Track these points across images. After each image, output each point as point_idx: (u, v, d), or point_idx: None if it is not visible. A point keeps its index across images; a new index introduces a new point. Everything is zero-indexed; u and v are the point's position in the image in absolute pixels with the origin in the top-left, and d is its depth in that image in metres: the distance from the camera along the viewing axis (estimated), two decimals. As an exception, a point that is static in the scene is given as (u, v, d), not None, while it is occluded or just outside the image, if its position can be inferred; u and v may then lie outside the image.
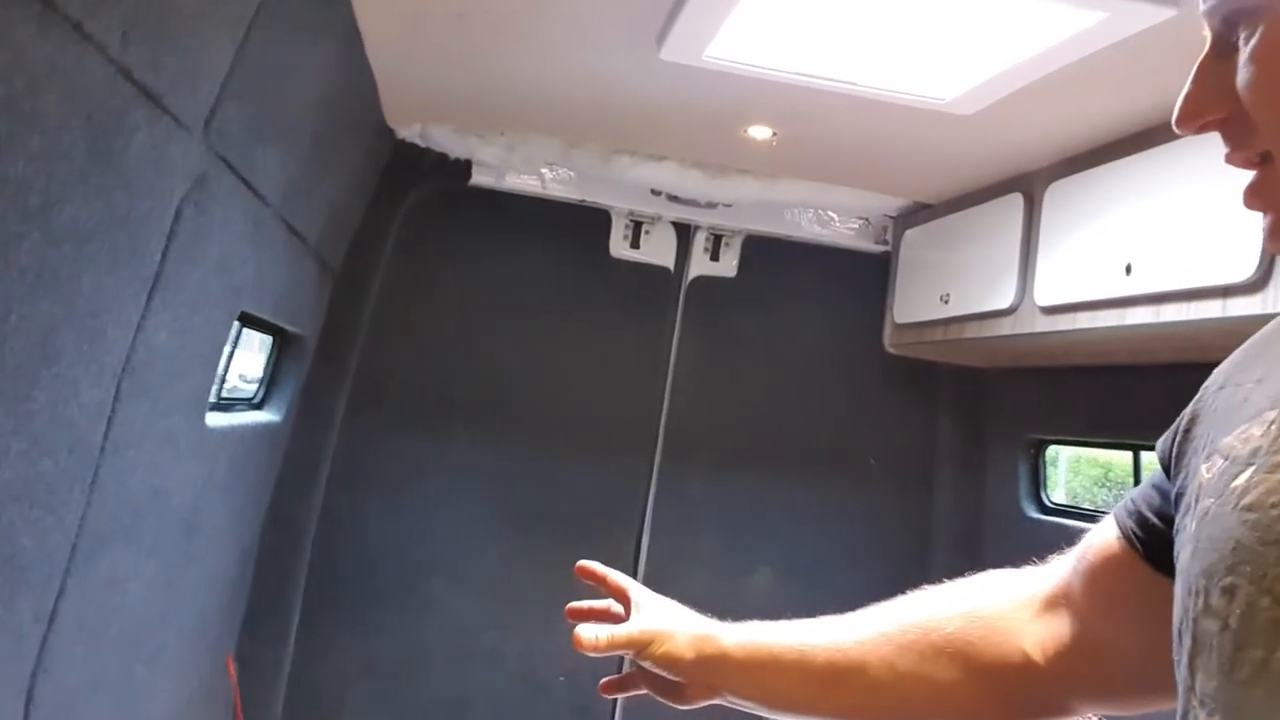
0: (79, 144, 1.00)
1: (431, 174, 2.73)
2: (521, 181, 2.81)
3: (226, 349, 1.86)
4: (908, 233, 2.80)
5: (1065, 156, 2.11)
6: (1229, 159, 0.62)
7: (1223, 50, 0.59)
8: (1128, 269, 1.82)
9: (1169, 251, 1.73)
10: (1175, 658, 0.60)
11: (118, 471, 1.36)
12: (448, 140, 2.69)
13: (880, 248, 2.94)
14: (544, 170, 2.80)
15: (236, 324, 1.87)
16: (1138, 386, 2.31)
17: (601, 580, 1.00)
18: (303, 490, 2.68)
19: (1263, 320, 1.55)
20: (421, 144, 2.70)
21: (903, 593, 3.26)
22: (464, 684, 2.82)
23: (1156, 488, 0.76)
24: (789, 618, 3.28)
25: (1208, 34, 0.60)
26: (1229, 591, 0.55)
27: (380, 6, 1.75)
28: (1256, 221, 1.54)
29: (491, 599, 2.86)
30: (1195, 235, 1.67)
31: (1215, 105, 0.60)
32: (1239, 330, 1.73)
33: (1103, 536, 0.79)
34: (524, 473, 2.89)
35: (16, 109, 0.88)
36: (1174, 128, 0.63)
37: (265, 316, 2.07)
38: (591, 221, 2.92)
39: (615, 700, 2.87)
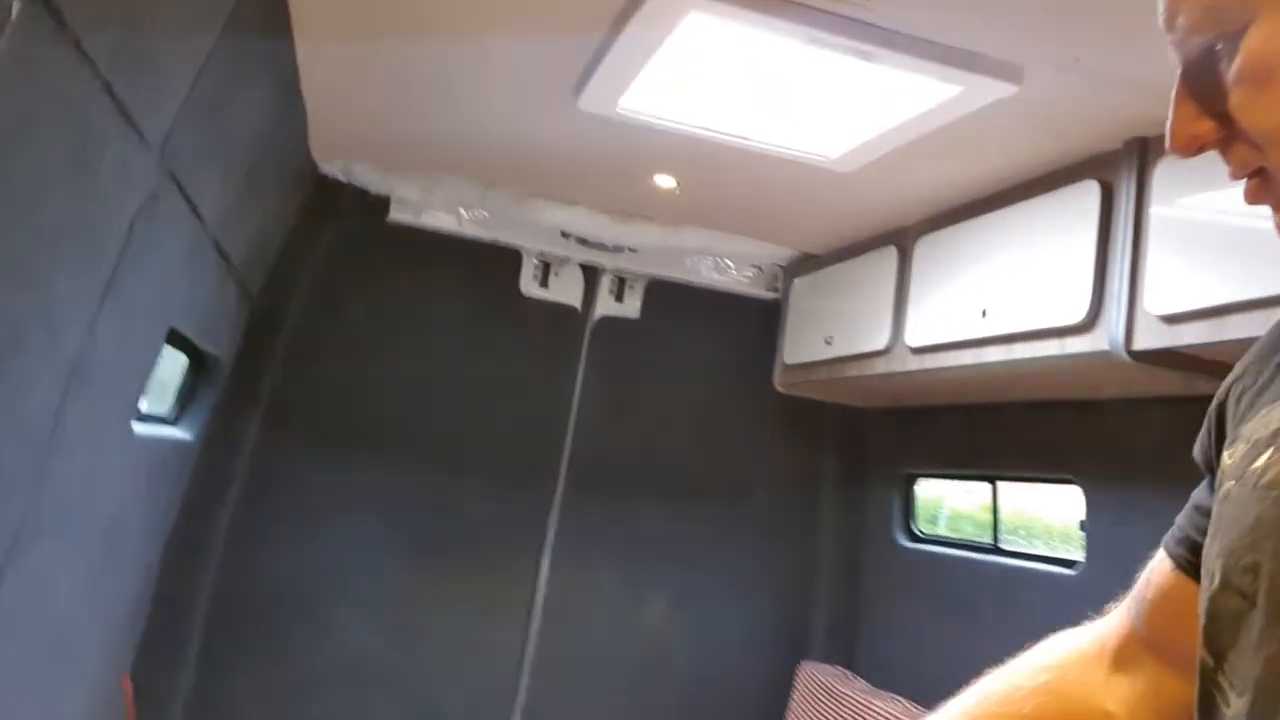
0: (65, 151, 1.12)
1: (351, 209, 2.85)
2: (439, 220, 2.95)
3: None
4: (796, 280, 3.04)
5: (933, 213, 2.37)
6: (1231, 176, 0.63)
7: (1196, 75, 0.59)
8: (983, 313, 2.07)
9: (1018, 297, 1.99)
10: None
11: (60, 468, 1.43)
12: (369, 177, 2.83)
13: (772, 294, 3.18)
14: (461, 210, 2.95)
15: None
16: (995, 423, 2.58)
17: None
18: (209, 512, 2.72)
19: (1093, 357, 1.81)
20: (343, 179, 2.82)
21: (787, 619, 3.46)
22: (363, 711, 2.86)
23: (1197, 507, 0.75)
24: (683, 645, 3.42)
25: (1178, 60, 0.60)
26: (1252, 570, 0.54)
27: (319, 49, 1.90)
28: (1084, 272, 1.79)
29: (393, 626, 2.93)
30: (1038, 283, 1.93)
31: (1200, 129, 0.61)
32: (1076, 368, 2.00)
33: (1158, 570, 0.78)
34: (430, 502, 2.98)
35: (22, 115, 1.00)
36: (1171, 153, 0.64)
37: (189, 335, 2.15)
38: (504, 260, 3.07)
39: (509, 720, 2.97)
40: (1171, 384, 1.92)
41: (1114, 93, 1.62)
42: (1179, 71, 0.61)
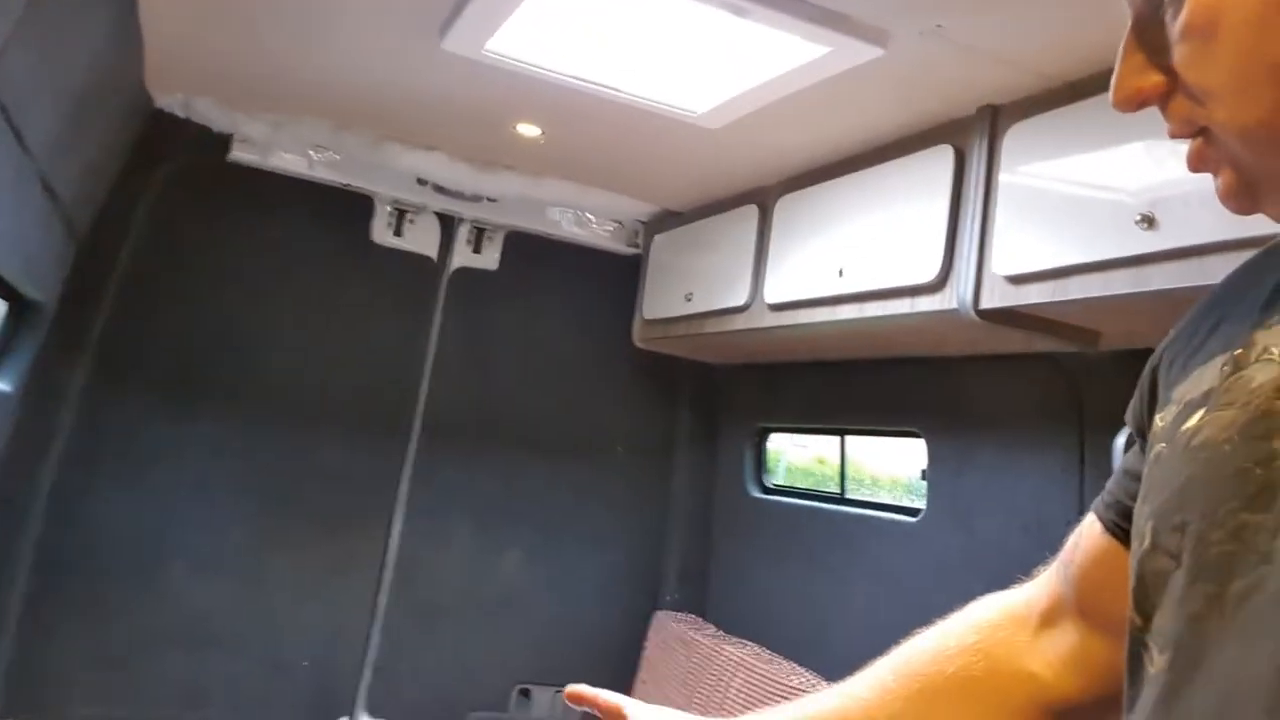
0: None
1: (191, 146, 2.67)
2: (286, 161, 2.80)
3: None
4: (657, 237, 3.06)
5: (794, 173, 2.42)
6: (1171, 134, 0.61)
7: (1145, 27, 0.58)
8: (840, 271, 2.14)
9: (873, 257, 2.06)
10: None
11: None
12: (210, 113, 2.65)
13: (632, 250, 3.19)
14: (311, 152, 2.81)
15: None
16: (845, 380, 2.68)
17: (593, 702, 1.00)
18: (31, 468, 2.53)
19: (943, 315, 1.91)
20: (182, 114, 2.64)
21: (641, 570, 3.51)
22: (203, 671, 2.75)
23: (1128, 471, 0.74)
24: (540, 597, 3.45)
25: (1129, 11, 0.60)
26: (1179, 529, 0.54)
27: (160, -33, 1.76)
28: (936, 234, 1.87)
29: (235, 583, 2.81)
30: (893, 244, 2.01)
31: (1146, 82, 0.59)
32: (926, 325, 2.10)
33: (1087, 535, 0.77)
34: (275, 455, 2.87)
35: None
36: (1114, 107, 0.61)
37: (9, 277, 1.97)
38: (356, 207, 2.96)
39: (359, 686, 2.91)
40: (1013, 342, 2.04)
41: (972, 61, 1.69)
42: (1129, 23, 0.59)
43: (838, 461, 3.01)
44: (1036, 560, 2.04)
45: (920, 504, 2.37)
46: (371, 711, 2.93)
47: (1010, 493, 2.10)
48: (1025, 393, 2.09)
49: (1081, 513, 1.95)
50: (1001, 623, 0.84)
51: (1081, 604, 0.77)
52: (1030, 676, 0.78)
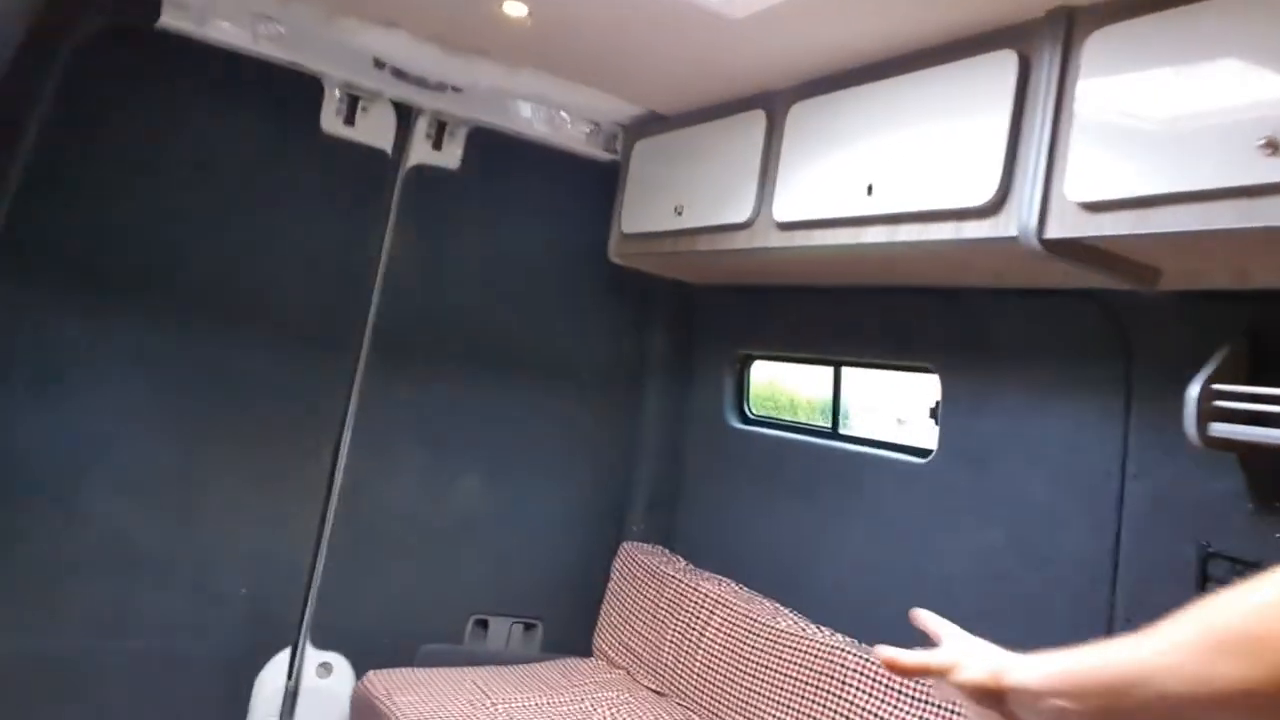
0: None
1: (112, 7, 2.29)
2: (225, 32, 2.45)
3: None
4: (638, 143, 2.79)
5: (810, 78, 2.18)
6: None
7: None
8: (869, 189, 1.92)
9: (911, 175, 1.85)
10: None
11: None
12: (136, -31, 2.27)
13: (609, 155, 2.92)
14: (254, 23, 2.45)
15: None
16: (844, 307, 2.49)
17: (923, 627, 1.02)
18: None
19: (995, 243, 1.72)
20: (101, -32, 2.26)
21: (608, 499, 3.28)
22: (129, 600, 2.49)
23: None
24: (497, 525, 3.20)
25: None
26: None
27: None
28: (994, 151, 1.66)
29: (163, 506, 2.54)
30: (936, 161, 1.80)
31: None
32: (972, 253, 1.90)
33: None
34: (206, 365, 2.57)
35: None
36: None
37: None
38: (302, 90, 2.62)
39: (303, 609, 2.69)
40: (1053, 276, 1.86)
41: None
42: None
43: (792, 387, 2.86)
44: (1065, 512, 1.92)
45: (930, 443, 2.22)
46: (317, 643, 2.72)
47: (1037, 438, 1.96)
48: (1061, 331, 1.93)
49: (1125, 466, 1.82)
50: None
51: None
52: None
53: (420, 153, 2.81)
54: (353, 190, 2.75)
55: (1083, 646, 0.84)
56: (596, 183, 2.92)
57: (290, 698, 2.71)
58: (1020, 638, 1.95)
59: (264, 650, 2.67)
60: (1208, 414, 1.55)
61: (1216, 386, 1.55)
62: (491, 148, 2.86)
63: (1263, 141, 1.27)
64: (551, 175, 2.93)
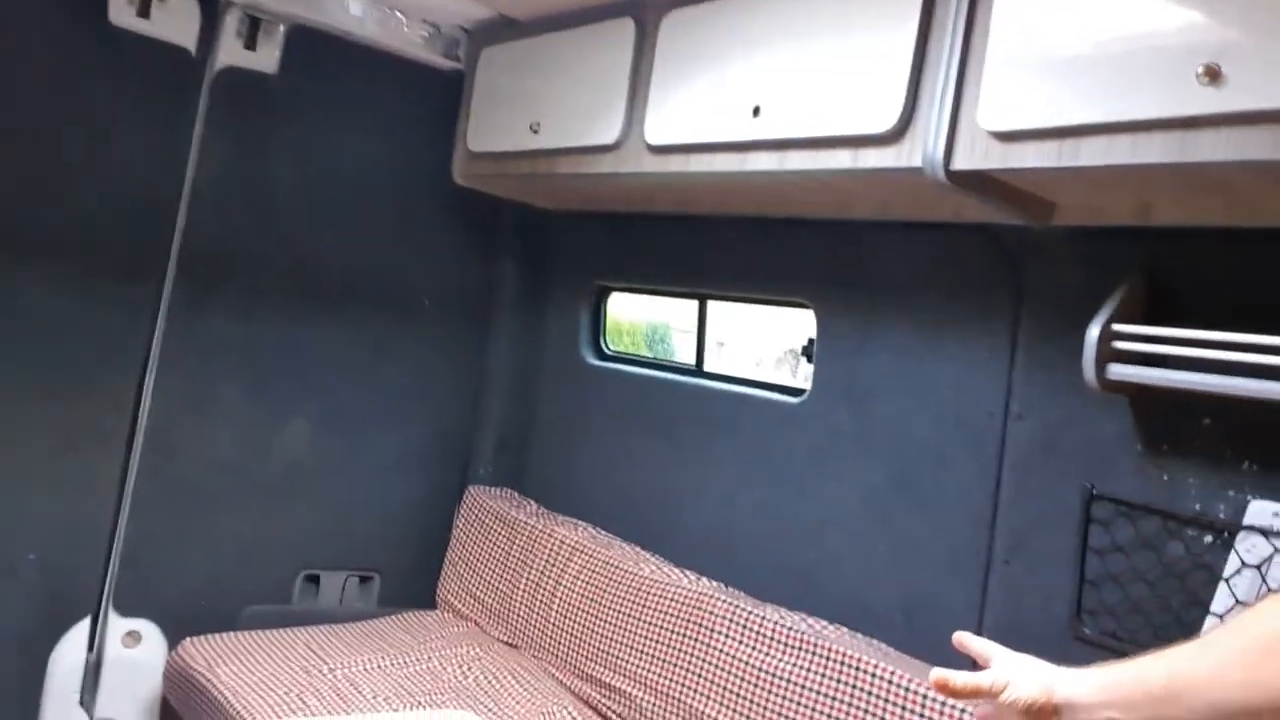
0: None
1: None
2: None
3: None
4: (486, 50, 2.53)
5: (688, -16, 1.99)
6: None
7: None
8: (755, 111, 1.77)
9: (802, 97, 1.70)
10: None
11: None
12: None
13: (451, 64, 2.63)
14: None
15: None
16: (713, 237, 2.35)
17: (968, 649, 1.03)
18: None
19: (895, 174, 1.60)
20: None
21: (452, 441, 3.06)
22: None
23: None
24: (330, 473, 2.91)
25: None
26: None
27: None
28: (896, 72, 1.55)
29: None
30: (831, 81, 1.66)
31: None
32: (866, 184, 1.79)
33: None
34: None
35: None
36: None
37: None
38: (84, -29, 2.20)
39: (105, 573, 2.37)
40: (942, 209, 1.78)
41: None
42: None
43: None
44: (949, 453, 1.87)
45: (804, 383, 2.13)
46: (123, 610, 2.40)
47: (922, 377, 1.89)
48: (949, 267, 1.86)
49: (1009, 406, 1.78)
50: None
51: None
52: None
53: (231, 53, 2.44)
54: (152, 95, 2.36)
55: (1131, 659, 0.84)
56: (438, 94, 2.64)
57: (92, 672, 2.40)
58: (899, 578, 1.92)
59: (59, 621, 2.34)
60: (1106, 355, 1.51)
61: (1116, 327, 1.50)
62: (315, 50, 2.52)
63: (1201, 69, 1.19)
64: (386, 84, 2.62)
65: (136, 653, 2.44)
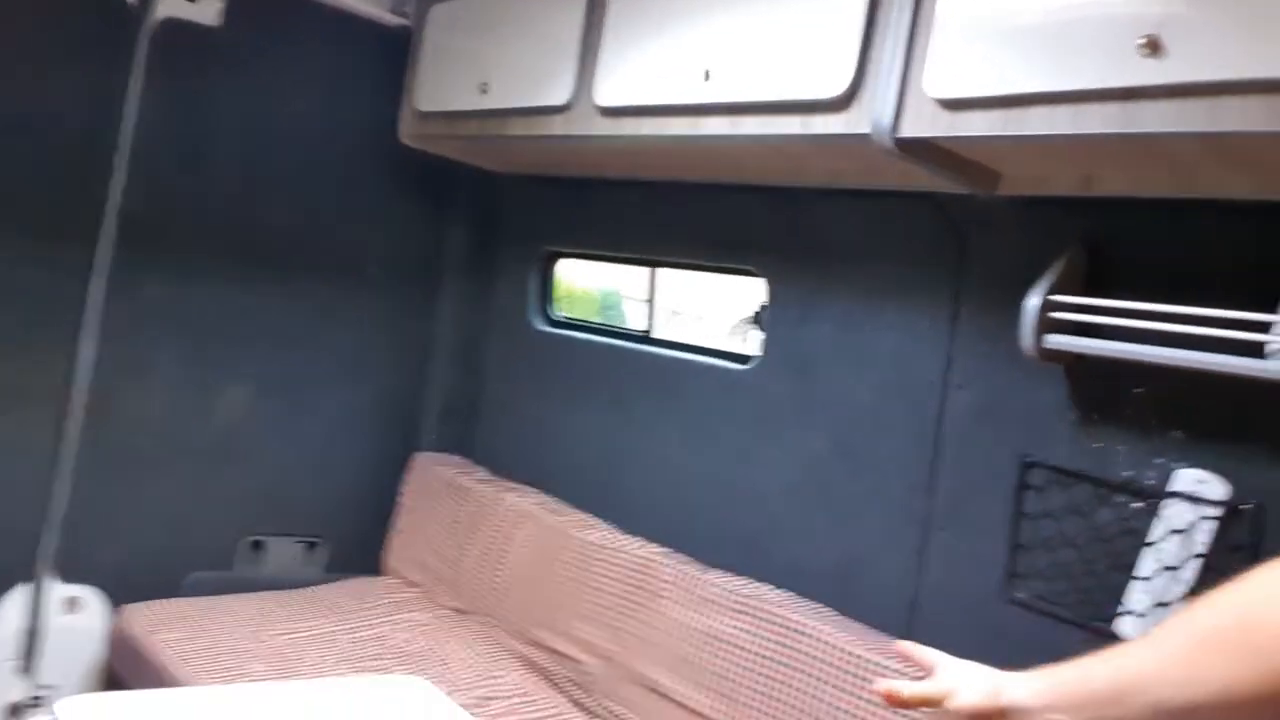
0: None
1: None
2: None
3: None
4: (435, 7, 2.48)
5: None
6: None
7: None
8: (706, 74, 1.76)
9: (754, 60, 1.69)
10: None
11: None
12: None
13: (399, 20, 2.58)
14: None
15: None
16: (663, 204, 2.35)
17: (912, 659, 1.02)
18: None
19: (844, 140, 1.61)
20: None
21: (399, 407, 3.03)
22: None
23: None
24: (274, 438, 2.86)
25: None
26: None
27: None
28: (848, 37, 1.55)
29: None
30: (783, 46, 1.65)
31: None
32: (818, 151, 1.79)
33: None
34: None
35: None
36: None
37: None
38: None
39: (42, 539, 2.32)
40: (889, 177, 1.79)
41: None
42: None
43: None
44: (889, 420, 1.89)
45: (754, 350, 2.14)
46: (65, 576, 2.36)
47: (865, 345, 1.91)
48: (895, 236, 1.87)
49: (949, 375, 1.81)
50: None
51: None
52: None
53: (170, 4, 2.37)
54: (86, 47, 2.29)
55: (1075, 660, 0.84)
56: (385, 52, 2.58)
57: (33, 639, 2.35)
58: (839, 544, 1.95)
59: (-8, 588, 2.30)
60: (1044, 325, 1.53)
61: (1053, 298, 1.53)
62: (259, 2, 2.45)
63: (1142, 40, 1.20)
64: (331, 40, 2.57)
65: (78, 619, 2.40)
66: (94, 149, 2.32)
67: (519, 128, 2.17)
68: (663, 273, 2.50)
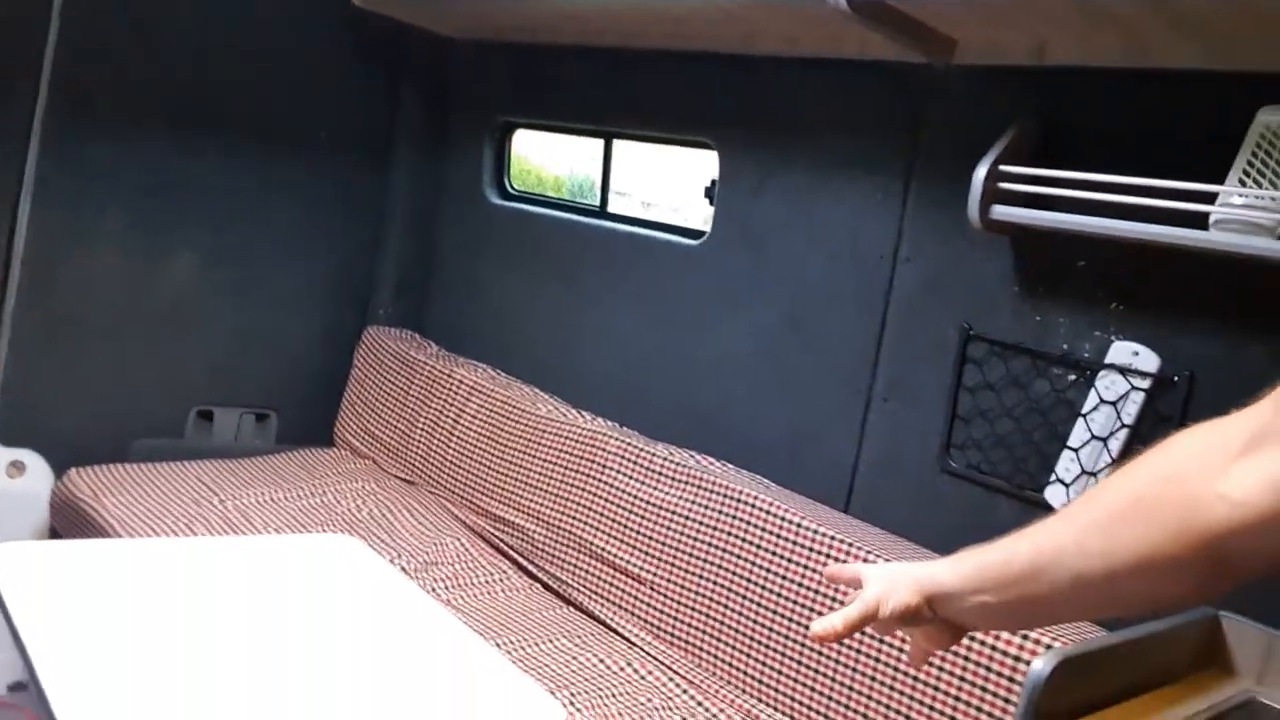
0: None
1: None
2: None
3: None
4: None
5: None
6: None
7: None
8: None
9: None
10: None
11: None
12: None
13: (348, -127, 2.45)
14: None
15: None
16: (618, 72, 2.28)
17: (839, 580, 0.99)
18: None
19: (801, 1, 1.56)
20: None
21: (350, 278, 3.00)
22: None
23: None
24: (221, 309, 2.83)
25: None
26: None
27: None
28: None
29: None
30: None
31: None
32: (760, 12, 1.74)
33: None
34: None
35: None
36: None
37: None
38: None
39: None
40: (848, 44, 1.75)
41: None
42: None
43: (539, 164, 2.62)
44: (839, 293, 1.89)
45: (704, 225, 2.12)
46: (6, 440, 2.34)
47: (820, 218, 1.89)
48: (851, 107, 1.84)
49: (899, 248, 1.80)
50: (1203, 441, 0.73)
51: None
52: (1219, 495, 0.69)
53: None
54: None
55: (998, 541, 0.84)
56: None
57: (-26, 502, 2.35)
58: (786, 416, 1.96)
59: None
60: (991, 195, 1.52)
61: (1002, 168, 1.51)
62: None
63: (1100, -110, 1.16)
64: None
65: (21, 483, 2.39)
66: (25, 6, 2.21)
67: (468, -16, 2.09)
68: (636, 160, 2.45)
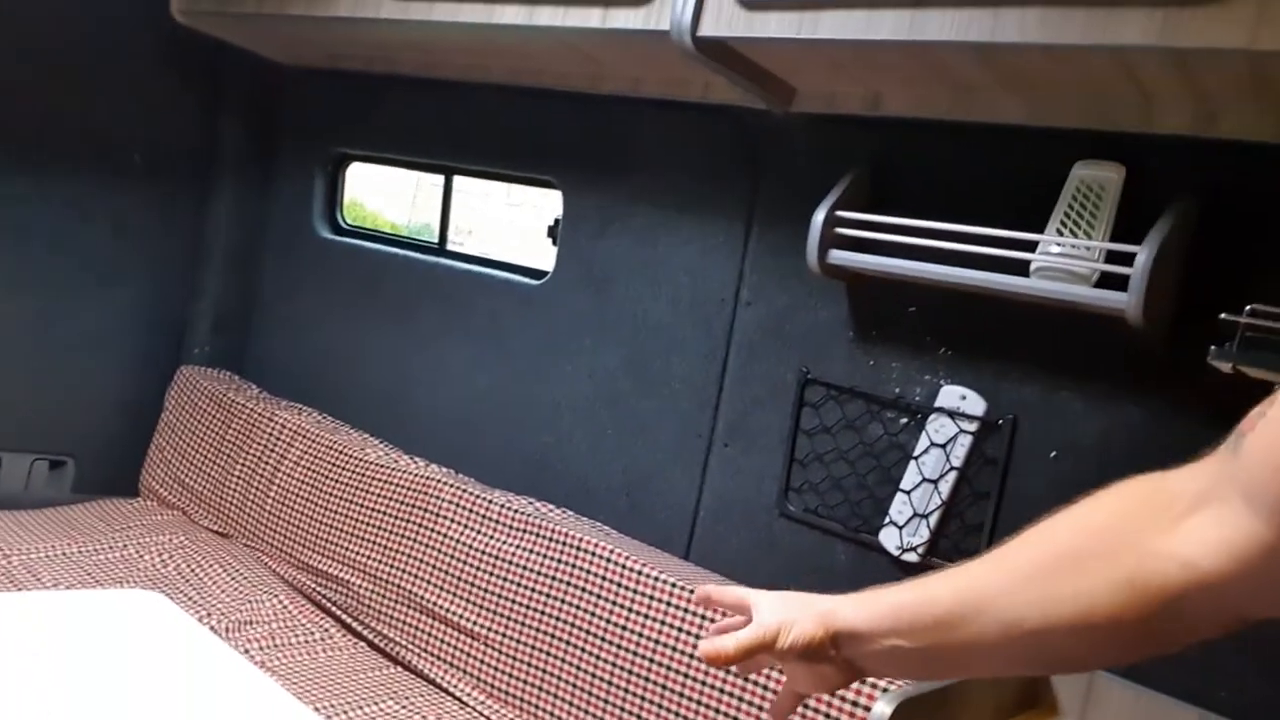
0: None
1: None
2: None
3: None
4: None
5: None
6: None
7: None
8: (502, -39, 1.66)
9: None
10: None
11: None
12: None
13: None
14: None
15: None
16: (460, 105, 2.23)
17: (719, 604, 0.91)
18: None
19: (642, 37, 1.55)
20: None
21: (161, 316, 2.81)
22: None
23: None
24: (13, 344, 2.59)
25: None
26: None
27: None
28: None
29: None
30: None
31: None
32: (603, 50, 1.72)
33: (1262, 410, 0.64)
34: None
35: None
36: None
37: None
38: None
39: None
40: (690, 87, 1.76)
41: None
42: None
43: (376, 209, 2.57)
44: (682, 337, 1.87)
45: (546, 265, 2.07)
46: None
47: (663, 260, 1.88)
48: (694, 150, 1.84)
49: (740, 292, 1.80)
50: (1142, 497, 0.70)
51: (1249, 483, 0.63)
52: (1169, 555, 0.66)
53: None
54: None
55: (909, 581, 0.78)
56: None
57: None
58: (625, 461, 1.92)
59: None
60: (828, 240, 1.54)
61: (839, 214, 1.54)
62: None
63: (933, -52, 1.20)
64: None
65: None
66: None
67: (301, 7, 1.98)
68: (487, 208, 2.39)
